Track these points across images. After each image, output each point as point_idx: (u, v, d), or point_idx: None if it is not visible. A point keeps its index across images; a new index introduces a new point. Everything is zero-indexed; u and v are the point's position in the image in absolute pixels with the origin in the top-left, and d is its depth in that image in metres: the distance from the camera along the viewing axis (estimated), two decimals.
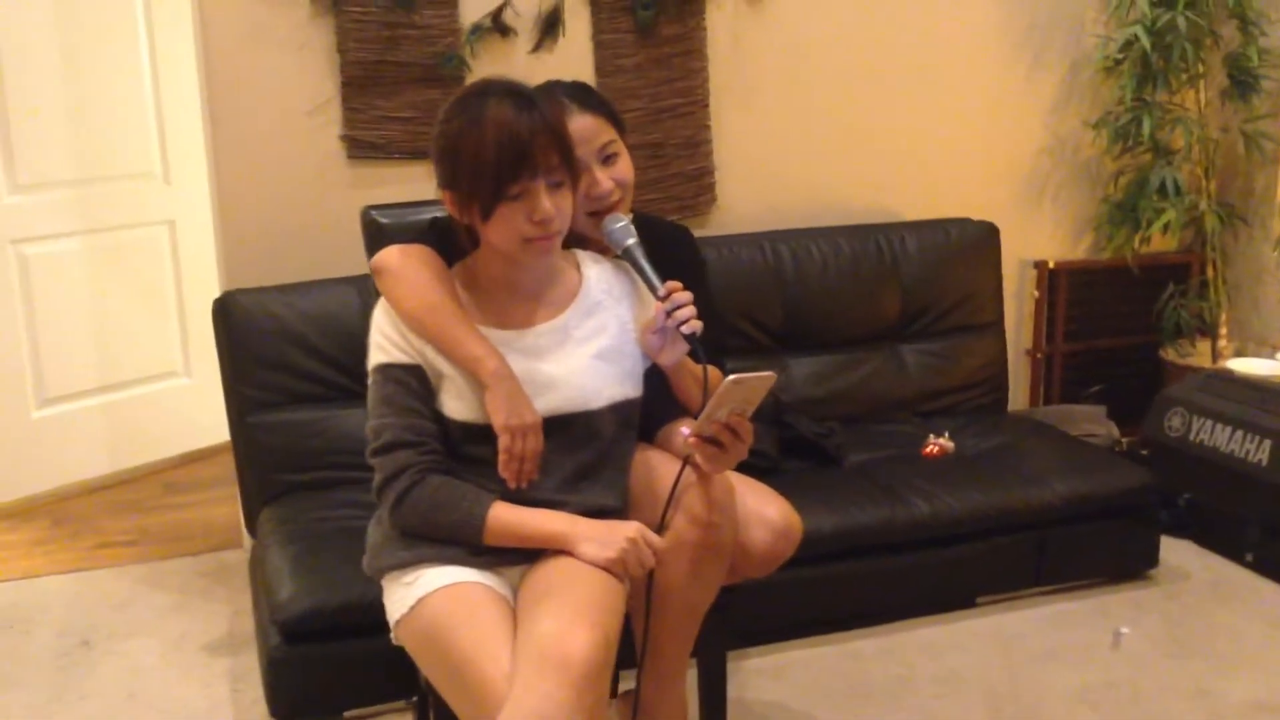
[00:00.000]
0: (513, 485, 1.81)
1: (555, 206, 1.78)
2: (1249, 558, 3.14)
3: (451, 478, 1.83)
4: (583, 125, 1.97)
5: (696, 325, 1.84)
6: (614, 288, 1.96)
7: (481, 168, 1.74)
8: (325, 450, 2.89)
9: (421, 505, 1.80)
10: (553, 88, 2.04)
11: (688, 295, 1.86)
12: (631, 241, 1.93)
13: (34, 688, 2.70)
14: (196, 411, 4.07)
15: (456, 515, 1.79)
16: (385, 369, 1.84)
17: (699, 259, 2.28)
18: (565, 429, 1.84)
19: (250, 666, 2.74)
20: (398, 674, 2.41)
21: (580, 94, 2.04)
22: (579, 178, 1.88)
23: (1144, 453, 3.17)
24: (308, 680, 2.48)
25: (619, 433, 1.91)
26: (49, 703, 2.63)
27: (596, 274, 1.96)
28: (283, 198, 3.13)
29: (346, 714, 2.54)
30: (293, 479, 2.88)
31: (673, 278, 1.91)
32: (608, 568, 1.76)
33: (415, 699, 2.51)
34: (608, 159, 2.03)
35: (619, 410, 1.89)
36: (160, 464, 4.09)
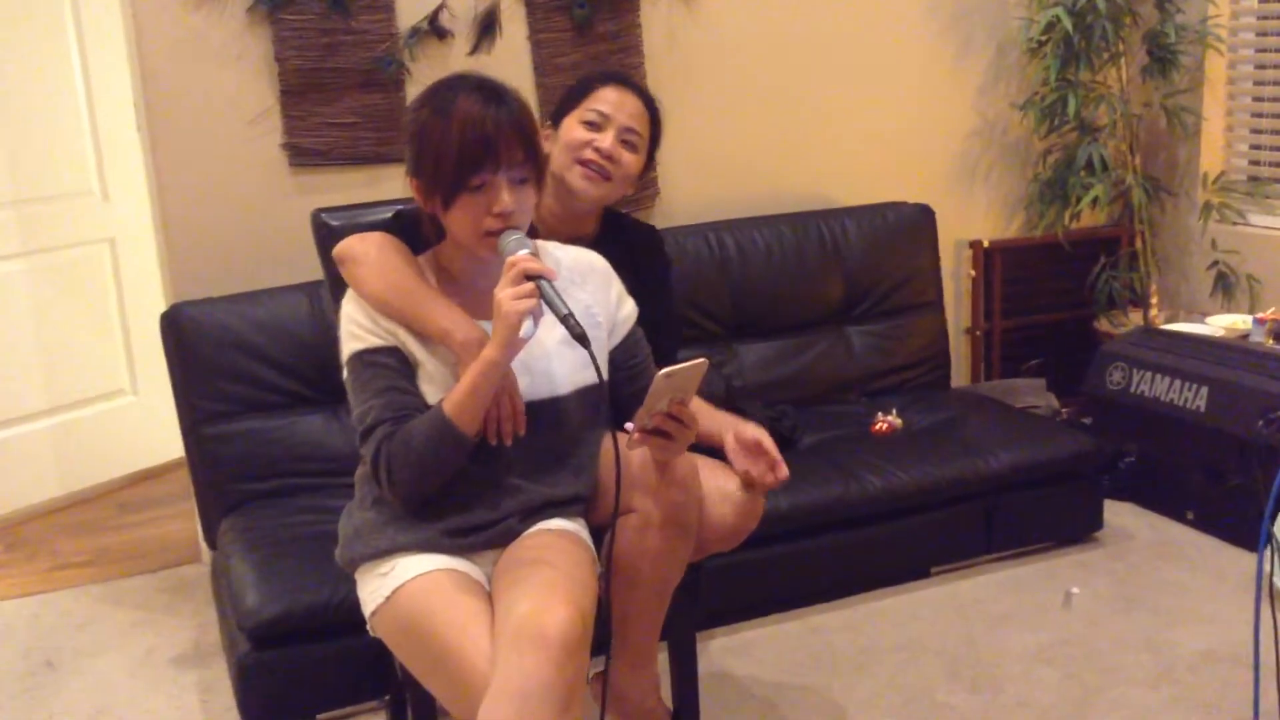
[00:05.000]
0: (493, 441, 1.83)
1: (516, 202, 1.80)
2: (1190, 516, 3.25)
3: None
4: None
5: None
6: (576, 272, 1.99)
7: (444, 157, 1.77)
8: (283, 458, 2.89)
9: (401, 454, 1.78)
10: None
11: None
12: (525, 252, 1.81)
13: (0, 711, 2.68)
14: (145, 429, 4.04)
15: (428, 432, 1.77)
16: (360, 355, 1.86)
17: (667, 264, 2.38)
18: (534, 415, 1.87)
19: (218, 676, 2.74)
20: (368, 674, 2.44)
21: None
22: (544, 174, 1.91)
23: (1085, 412, 3.21)
24: (278, 685, 2.48)
25: (586, 419, 1.94)
26: None
27: (557, 260, 1.99)
28: (226, 208, 3.13)
29: (319, 716, 2.55)
30: (251, 488, 2.87)
31: (644, 284, 2.01)
32: (522, 314, 1.73)
33: (387, 697, 2.53)
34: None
35: (585, 395, 1.92)
36: (112, 484, 4.05)
